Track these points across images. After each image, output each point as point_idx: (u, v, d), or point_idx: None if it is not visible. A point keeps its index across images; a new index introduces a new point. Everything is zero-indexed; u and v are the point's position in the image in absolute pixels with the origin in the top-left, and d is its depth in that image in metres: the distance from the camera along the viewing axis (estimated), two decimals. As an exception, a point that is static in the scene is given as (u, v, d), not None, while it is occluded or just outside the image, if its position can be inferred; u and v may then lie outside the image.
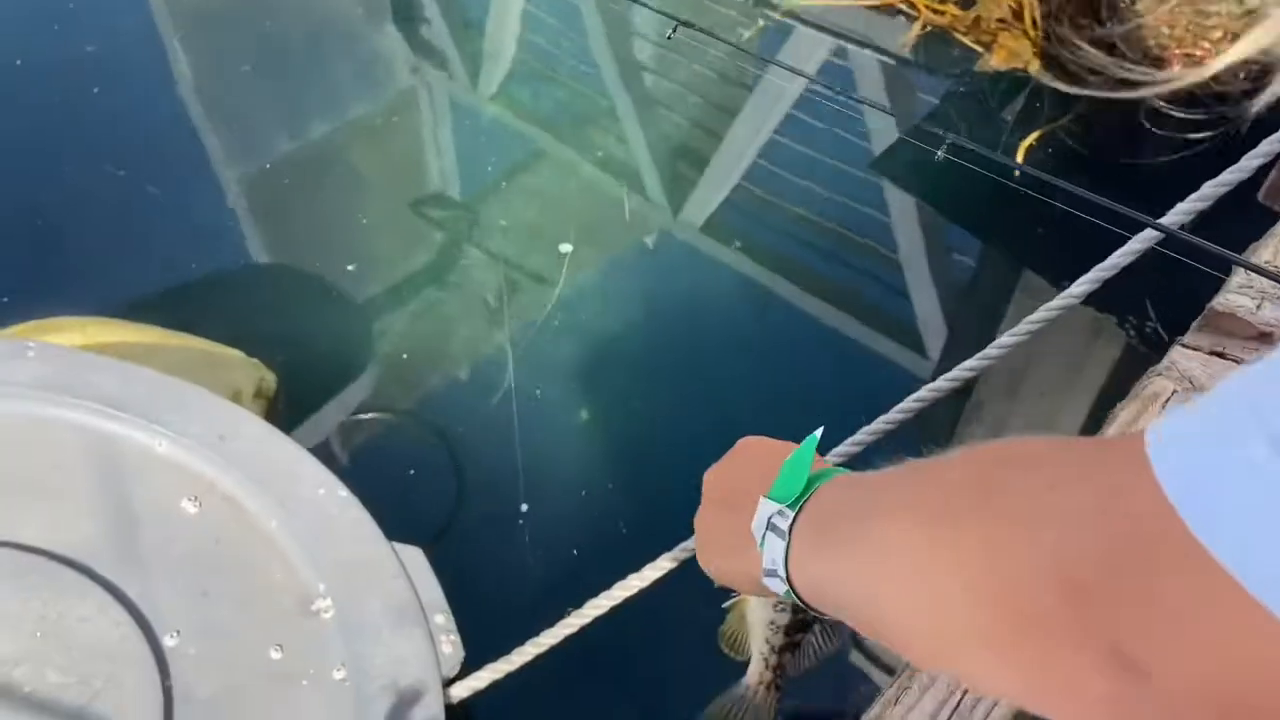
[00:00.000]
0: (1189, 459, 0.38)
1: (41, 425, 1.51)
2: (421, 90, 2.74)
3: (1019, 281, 2.31)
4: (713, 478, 0.83)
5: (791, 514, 0.66)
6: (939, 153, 1.55)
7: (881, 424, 1.37)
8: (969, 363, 1.31)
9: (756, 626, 0.94)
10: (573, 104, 2.73)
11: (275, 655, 1.41)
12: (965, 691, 0.95)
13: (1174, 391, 1.22)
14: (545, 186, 2.50)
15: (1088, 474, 0.43)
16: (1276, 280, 1.37)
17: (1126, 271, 1.27)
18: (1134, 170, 2.31)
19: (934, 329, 2.25)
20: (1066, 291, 1.39)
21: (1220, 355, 1.25)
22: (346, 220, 2.38)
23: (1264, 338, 1.29)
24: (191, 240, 2.30)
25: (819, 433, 0.71)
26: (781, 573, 0.65)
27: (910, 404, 1.33)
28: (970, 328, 2.26)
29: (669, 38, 1.91)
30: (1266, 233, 1.57)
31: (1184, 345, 1.30)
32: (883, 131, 2.62)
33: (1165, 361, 1.27)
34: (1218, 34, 1.96)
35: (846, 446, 1.41)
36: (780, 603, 0.88)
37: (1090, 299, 1.27)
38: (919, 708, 0.95)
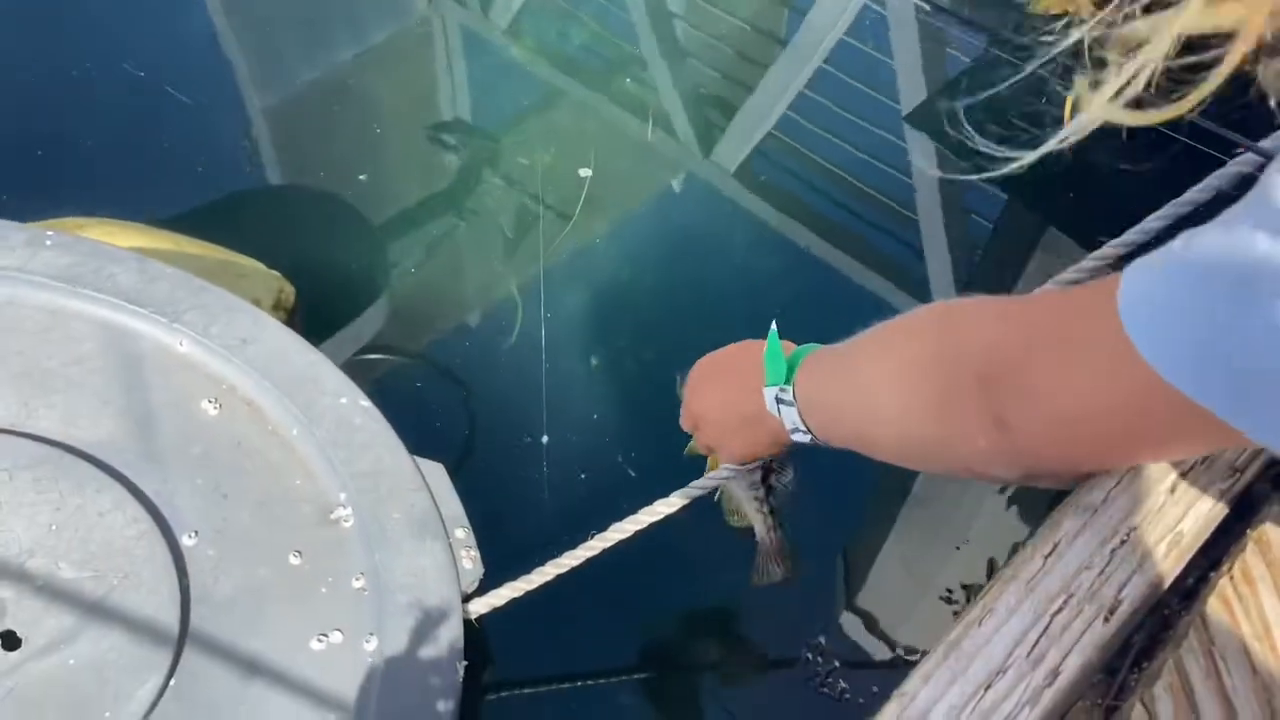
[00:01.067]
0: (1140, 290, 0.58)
1: (59, 316, 1.47)
2: (437, 21, 2.67)
3: (1062, 243, 2.26)
4: (696, 391, 1.20)
5: (790, 388, 0.94)
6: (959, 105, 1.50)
7: None
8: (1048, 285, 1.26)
9: (740, 495, 1.35)
10: (597, 45, 2.67)
11: (294, 561, 1.38)
12: (1058, 610, 0.92)
13: None
14: (566, 121, 2.45)
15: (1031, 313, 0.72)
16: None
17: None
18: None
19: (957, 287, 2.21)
20: (1137, 227, 1.33)
21: None
22: (363, 141, 2.33)
23: None
24: (213, 151, 2.24)
25: (774, 325, 1.00)
26: (802, 427, 0.95)
27: None
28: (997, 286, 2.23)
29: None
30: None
31: None
32: (918, 84, 2.56)
33: None
34: None
35: None
36: (751, 468, 1.26)
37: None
38: (1005, 631, 0.92)
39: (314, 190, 2.23)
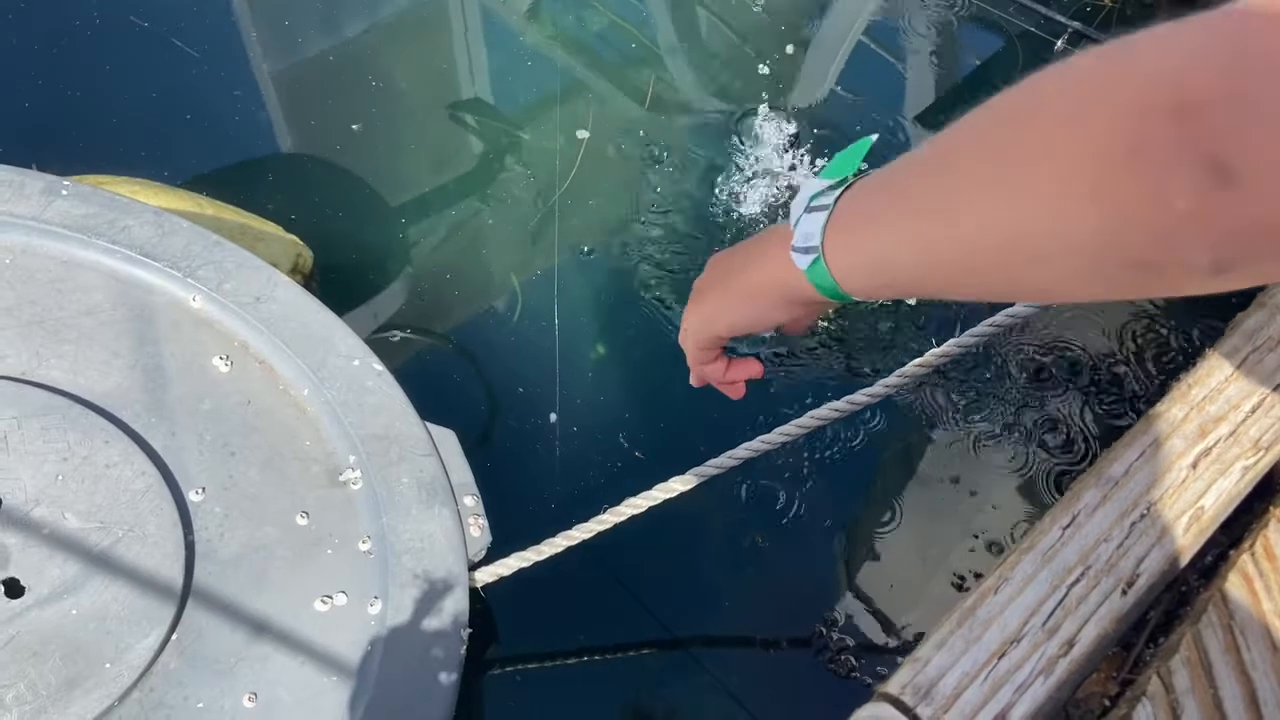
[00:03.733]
0: None
1: (73, 267, 1.46)
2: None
3: None
4: (704, 274, 0.83)
5: (840, 189, 0.64)
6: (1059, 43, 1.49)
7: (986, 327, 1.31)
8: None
9: None
10: (613, 34, 2.63)
11: (301, 521, 1.37)
12: (1075, 582, 0.90)
13: None
14: (577, 97, 2.41)
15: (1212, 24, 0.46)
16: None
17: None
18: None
19: None
20: None
21: None
22: (383, 112, 2.31)
23: None
24: (235, 116, 2.23)
25: (874, 137, 0.71)
26: (817, 241, 0.64)
27: (1003, 319, 1.27)
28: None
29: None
30: None
31: None
32: (943, 77, 2.52)
33: None
34: None
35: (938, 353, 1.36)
36: None
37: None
38: (1020, 600, 0.91)
39: (333, 159, 2.21)
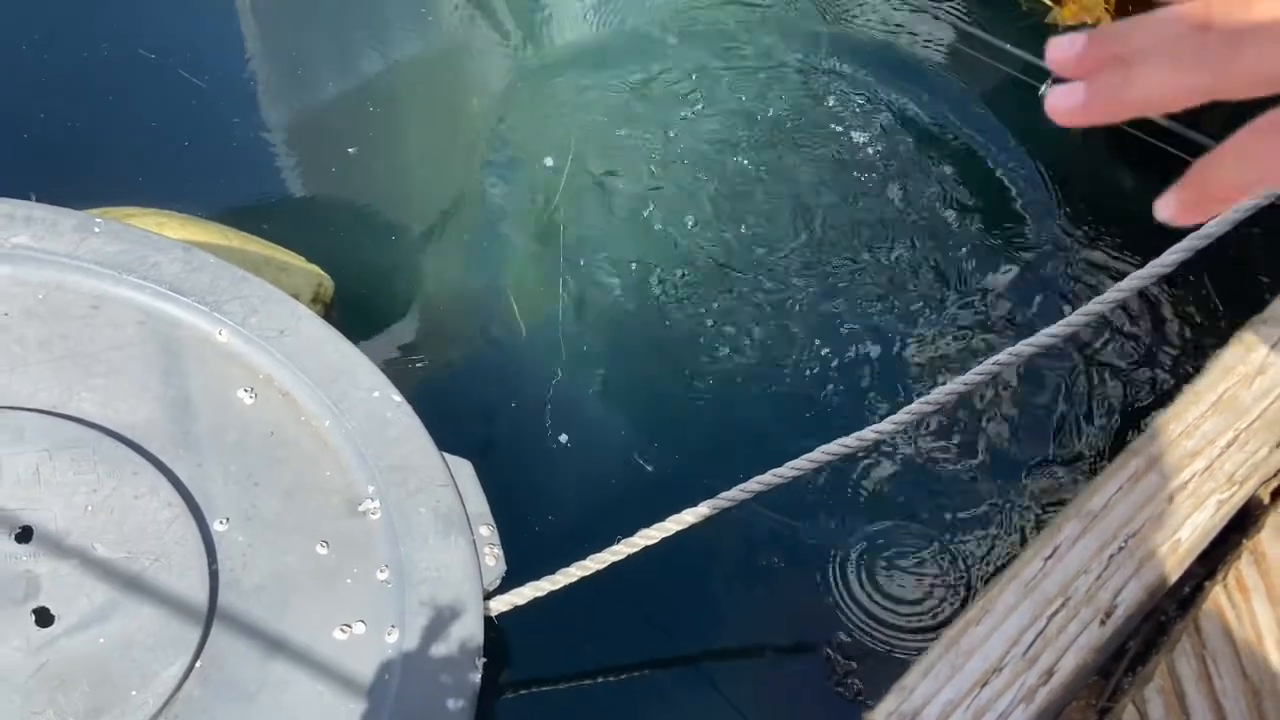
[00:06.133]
0: None
1: (104, 302, 1.51)
2: (473, 39, 2.67)
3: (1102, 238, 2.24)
4: None
5: None
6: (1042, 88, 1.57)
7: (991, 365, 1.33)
8: (1073, 317, 1.27)
9: None
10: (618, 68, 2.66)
11: (321, 551, 1.40)
12: (1054, 613, 0.94)
13: (1277, 340, 1.18)
14: (596, 127, 2.44)
15: None
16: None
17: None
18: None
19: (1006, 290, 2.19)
20: (1156, 261, 1.34)
21: None
22: (400, 145, 2.36)
23: None
24: (253, 144, 2.28)
25: None
26: None
27: (1022, 348, 1.30)
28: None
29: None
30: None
31: None
32: (939, 94, 2.53)
33: (1270, 311, 1.22)
34: None
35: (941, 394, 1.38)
36: None
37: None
38: (1002, 631, 0.93)
39: (348, 188, 2.26)
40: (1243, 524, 1.05)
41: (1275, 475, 1.08)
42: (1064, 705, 0.93)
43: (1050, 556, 0.97)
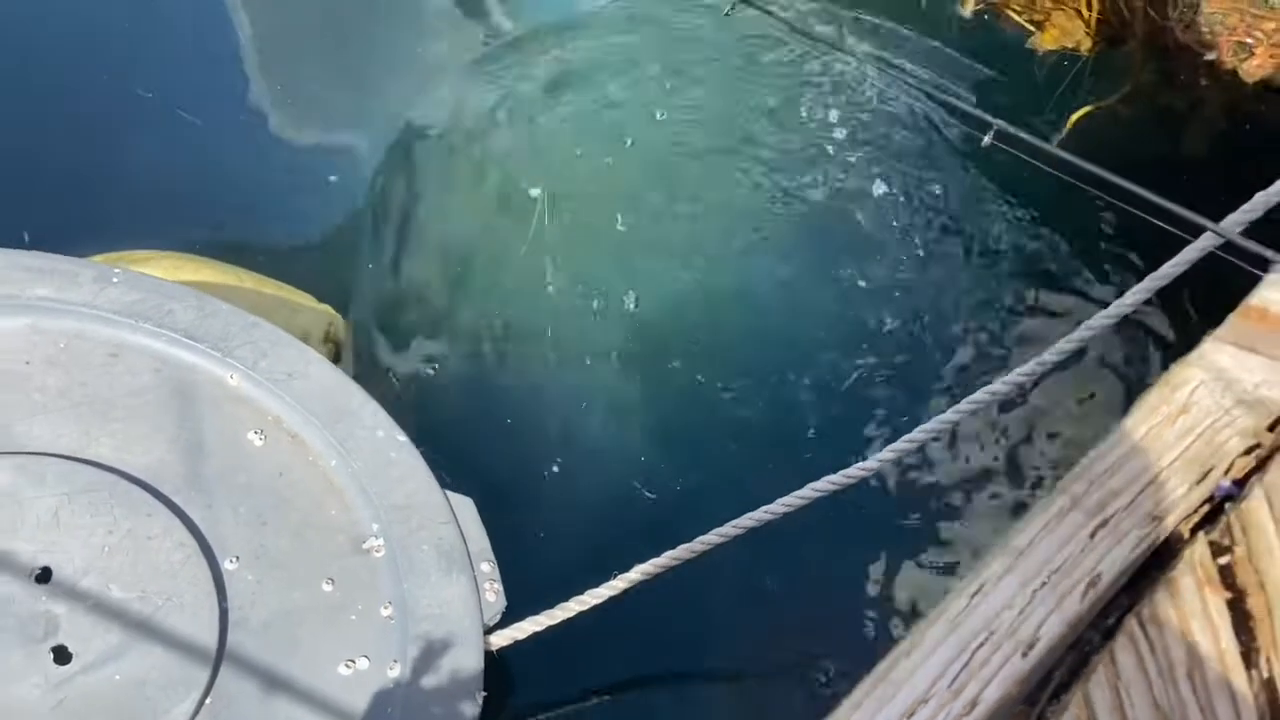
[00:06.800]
0: None
1: (122, 349, 1.57)
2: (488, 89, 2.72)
3: (1066, 280, 2.26)
4: None
5: None
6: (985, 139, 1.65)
7: (939, 423, 1.37)
8: (1027, 366, 1.31)
9: None
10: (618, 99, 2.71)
11: (327, 588, 1.46)
12: (979, 646, 0.99)
13: (1200, 381, 1.23)
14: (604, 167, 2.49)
15: None
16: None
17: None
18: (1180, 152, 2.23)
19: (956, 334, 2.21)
20: (1120, 301, 1.39)
21: (1252, 350, 1.26)
22: (412, 186, 2.42)
23: None
24: (267, 186, 2.36)
25: None
26: None
27: (974, 400, 1.33)
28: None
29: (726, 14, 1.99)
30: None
31: (1216, 339, 1.31)
32: (929, 114, 2.56)
33: (1196, 353, 1.27)
34: (1271, 25, 1.88)
35: (904, 442, 1.42)
36: None
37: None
38: (928, 665, 0.99)
39: (363, 230, 2.33)
40: (1163, 559, 1.09)
41: (1194, 512, 1.12)
42: (989, 735, 0.97)
43: (976, 593, 1.02)
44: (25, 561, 1.36)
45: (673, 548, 1.54)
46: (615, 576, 1.55)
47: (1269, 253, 1.37)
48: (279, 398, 1.59)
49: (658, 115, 2.55)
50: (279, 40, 2.69)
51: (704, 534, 1.53)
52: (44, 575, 1.36)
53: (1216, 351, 1.26)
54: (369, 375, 1.95)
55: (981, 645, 0.99)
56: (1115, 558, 1.07)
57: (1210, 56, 1.90)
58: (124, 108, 2.48)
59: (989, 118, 1.78)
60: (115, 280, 1.61)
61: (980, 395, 1.33)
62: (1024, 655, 0.99)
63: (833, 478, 1.44)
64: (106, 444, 1.50)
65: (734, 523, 1.53)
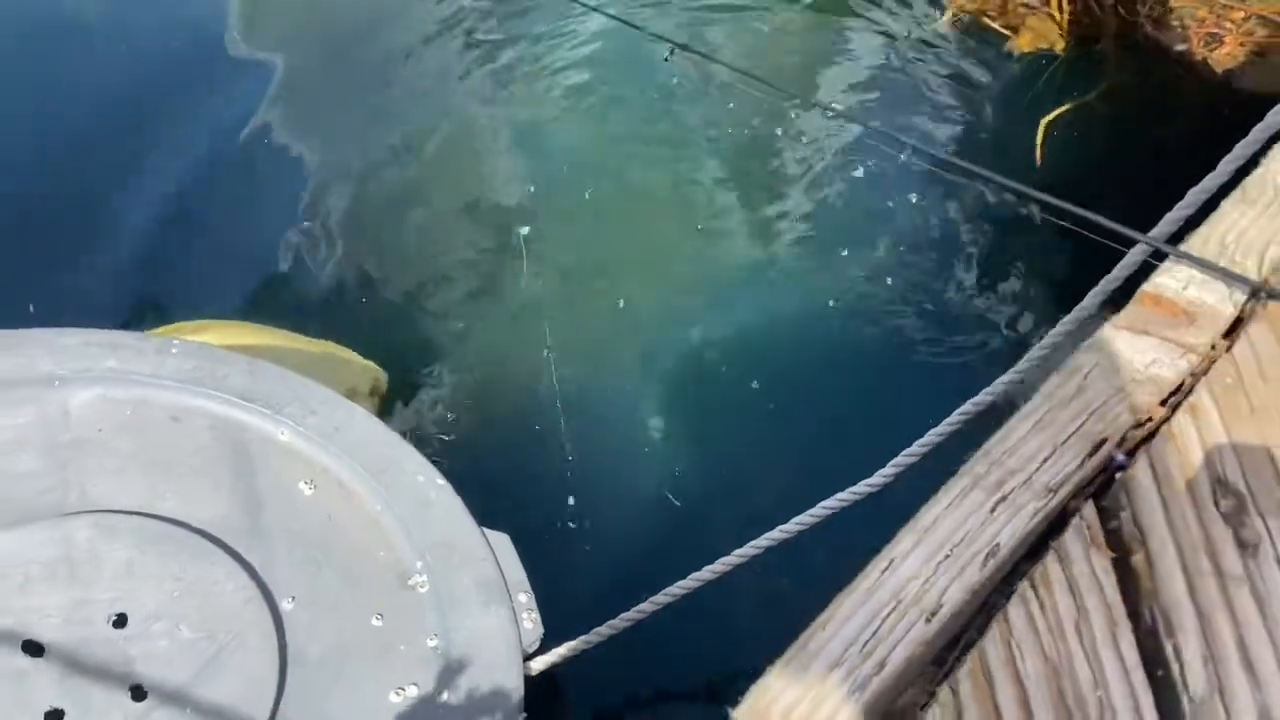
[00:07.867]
0: None
1: (182, 413, 1.72)
2: (495, 125, 2.87)
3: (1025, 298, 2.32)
4: None
5: None
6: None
7: (919, 446, 1.46)
8: (1006, 377, 1.39)
9: None
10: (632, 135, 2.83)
11: (376, 623, 1.57)
12: (887, 615, 1.11)
13: (1095, 364, 1.33)
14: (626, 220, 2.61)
15: None
16: (1201, 266, 1.44)
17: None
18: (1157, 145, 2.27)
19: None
20: (1079, 306, 1.48)
21: (1145, 333, 1.36)
22: (439, 240, 2.57)
23: (1187, 316, 1.38)
24: (314, 256, 2.52)
25: None
26: None
27: (948, 425, 1.42)
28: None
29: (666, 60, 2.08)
30: (1204, 221, 1.59)
31: (1113, 325, 1.40)
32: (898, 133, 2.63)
33: (1093, 340, 1.37)
34: (1239, 14, 1.94)
35: (890, 469, 1.50)
36: None
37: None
38: (842, 633, 1.11)
39: (404, 289, 2.48)
40: (1059, 528, 1.20)
41: (1089, 484, 1.22)
42: (899, 691, 1.09)
43: (886, 569, 1.14)
44: (103, 609, 1.50)
45: (697, 570, 1.63)
46: (646, 599, 1.64)
47: (1162, 245, 1.47)
48: (327, 450, 1.72)
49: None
50: (308, 102, 2.87)
51: (725, 555, 1.62)
52: (120, 621, 1.50)
53: (1112, 336, 1.37)
54: (409, 423, 2.07)
55: (890, 614, 1.12)
56: (1014, 529, 1.18)
57: (1181, 48, 1.98)
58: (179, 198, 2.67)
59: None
60: (174, 350, 1.76)
61: (967, 407, 1.41)
62: (928, 621, 1.11)
63: (841, 495, 1.52)
64: (172, 499, 1.64)
65: (753, 543, 1.61)
